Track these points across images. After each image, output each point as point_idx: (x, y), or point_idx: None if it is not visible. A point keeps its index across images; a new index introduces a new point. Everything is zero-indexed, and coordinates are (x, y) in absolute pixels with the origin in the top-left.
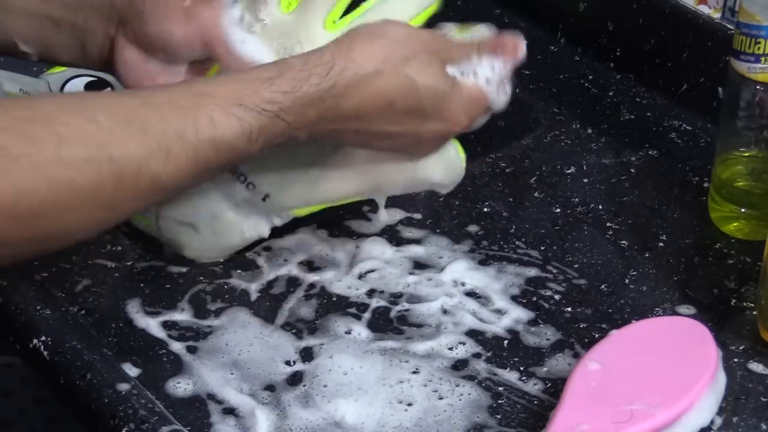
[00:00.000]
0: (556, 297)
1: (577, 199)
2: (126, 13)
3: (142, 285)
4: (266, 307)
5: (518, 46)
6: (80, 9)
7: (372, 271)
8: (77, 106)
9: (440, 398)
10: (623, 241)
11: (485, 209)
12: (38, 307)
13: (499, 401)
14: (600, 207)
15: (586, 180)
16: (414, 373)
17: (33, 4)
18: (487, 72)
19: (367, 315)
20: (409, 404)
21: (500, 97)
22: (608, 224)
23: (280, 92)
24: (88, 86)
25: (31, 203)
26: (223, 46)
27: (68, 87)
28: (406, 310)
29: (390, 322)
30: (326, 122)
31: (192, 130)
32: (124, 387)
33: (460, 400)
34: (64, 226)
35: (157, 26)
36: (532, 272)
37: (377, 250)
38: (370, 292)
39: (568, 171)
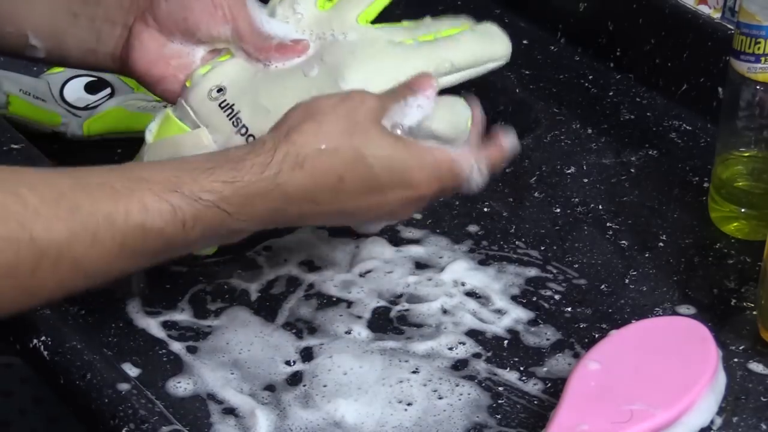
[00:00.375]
0: (556, 297)
1: (577, 199)
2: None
3: (142, 285)
4: (266, 307)
5: (426, 81)
6: (101, 2)
7: (372, 271)
8: (4, 181)
9: (440, 398)
10: (623, 241)
11: (485, 209)
12: (38, 307)
13: (499, 401)
14: (600, 207)
15: (586, 180)
16: (414, 372)
17: None
18: (413, 109)
19: (367, 315)
20: (409, 404)
21: (474, 173)
22: (608, 224)
23: (220, 182)
24: (88, 86)
25: None
26: (247, 23)
27: (68, 87)
28: (406, 310)
29: (390, 322)
30: (276, 212)
31: (122, 215)
32: (124, 387)
33: (459, 399)
34: None
35: (179, 2)
36: (532, 272)
37: (377, 250)
38: (370, 292)
39: (568, 171)
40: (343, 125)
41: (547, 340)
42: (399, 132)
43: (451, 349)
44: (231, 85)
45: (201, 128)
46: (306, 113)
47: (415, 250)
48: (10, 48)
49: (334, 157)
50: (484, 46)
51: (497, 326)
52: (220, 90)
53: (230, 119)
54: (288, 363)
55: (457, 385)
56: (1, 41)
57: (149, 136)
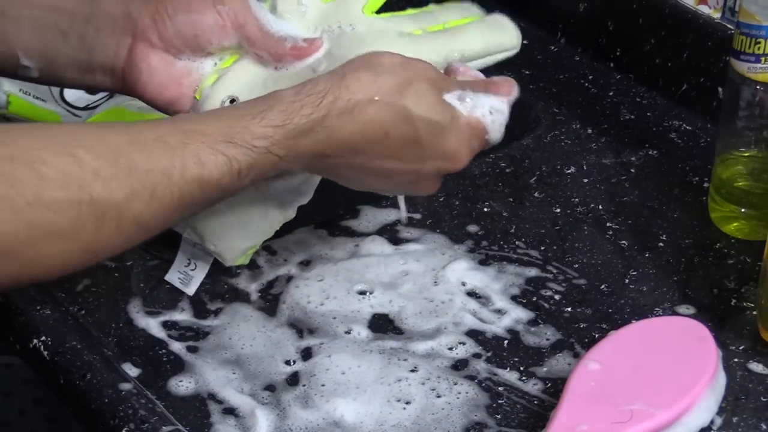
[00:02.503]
0: (556, 297)
1: (577, 199)
2: (146, 19)
3: (142, 285)
4: (266, 307)
5: (512, 86)
6: (91, 20)
7: (372, 271)
8: (60, 143)
9: (438, 396)
10: (623, 241)
11: (485, 209)
12: (38, 307)
13: (499, 401)
14: (600, 207)
15: (586, 180)
16: (412, 372)
17: (41, 14)
18: (486, 102)
19: (367, 315)
20: (408, 402)
21: (498, 129)
22: (608, 224)
23: (271, 126)
24: None
25: (9, 245)
26: (257, 29)
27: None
28: (406, 310)
29: (390, 322)
30: (318, 156)
31: (179, 170)
32: (124, 387)
33: (458, 398)
34: (44, 266)
35: (185, 19)
36: (532, 272)
37: (377, 250)
38: (370, 292)
39: (568, 171)
40: (399, 81)
41: (547, 340)
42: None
43: (451, 349)
44: (243, 93)
45: None
46: (366, 62)
47: (415, 250)
48: (3, 68)
49: (383, 111)
50: (494, 36)
51: (497, 326)
52: (233, 100)
53: None
54: (288, 363)
55: (455, 384)
56: None
57: None
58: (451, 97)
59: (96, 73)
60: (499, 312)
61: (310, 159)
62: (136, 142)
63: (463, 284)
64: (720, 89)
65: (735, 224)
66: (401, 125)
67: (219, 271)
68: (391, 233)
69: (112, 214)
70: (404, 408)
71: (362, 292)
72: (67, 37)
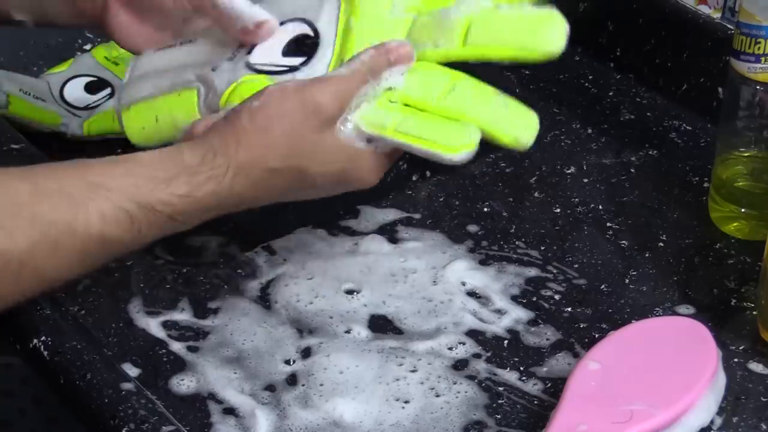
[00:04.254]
0: (556, 297)
1: (577, 199)
2: None
3: (142, 285)
4: (266, 307)
5: (406, 49)
6: None
7: (371, 270)
8: None
9: (437, 396)
10: (623, 241)
11: (485, 209)
12: (38, 307)
13: (499, 401)
14: (600, 207)
15: (586, 180)
16: (412, 371)
17: None
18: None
19: (366, 315)
20: (406, 402)
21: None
22: (608, 224)
23: (176, 195)
24: (88, 86)
25: None
26: (211, 2)
27: (68, 87)
28: (406, 310)
29: (390, 321)
30: (221, 213)
31: (83, 224)
32: (124, 387)
33: (456, 397)
34: None
35: None
36: (532, 272)
37: (376, 249)
38: (370, 292)
39: (568, 171)
40: (291, 142)
41: (547, 340)
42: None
43: (451, 349)
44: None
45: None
46: (254, 127)
47: (415, 249)
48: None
49: (280, 177)
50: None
51: (497, 326)
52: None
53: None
54: (287, 362)
55: (455, 384)
56: None
57: None
58: (346, 129)
59: (83, 19)
60: (499, 312)
61: (212, 218)
62: (40, 193)
63: (463, 284)
64: (720, 89)
65: (735, 224)
66: (300, 183)
67: (219, 271)
68: (390, 233)
69: (12, 265)
70: (403, 407)
71: (351, 291)
72: None
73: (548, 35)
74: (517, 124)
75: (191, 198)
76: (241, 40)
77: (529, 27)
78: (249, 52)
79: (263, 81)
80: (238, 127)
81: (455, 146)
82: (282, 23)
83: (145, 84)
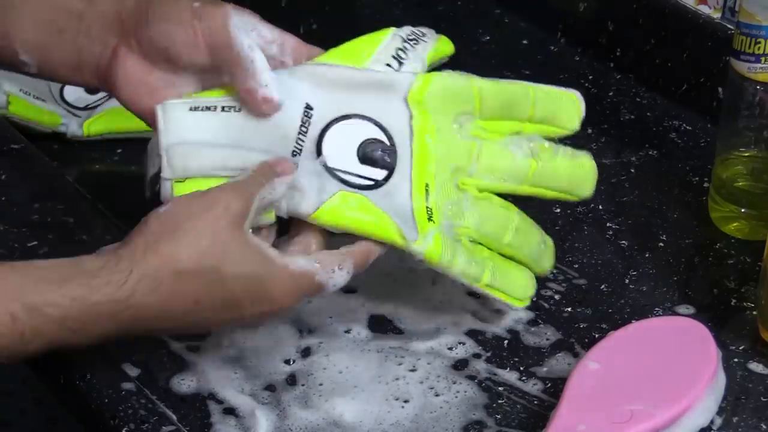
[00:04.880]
0: (556, 297)
1: None
2: (130, 19)
3: None
4: None
5: (288, 164)
6: (84, 17)
7: (371, 270)
8: None
9: (436, 395)
10: (623, 241)
11: None
12: None
13: (499, 401)
14: (600, 207)
15: None
16: (411, 371)
17: (41, 10)
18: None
19: (366, 314)
20: (406, 401)
21: (336, 276)
22: (608, 224)
23: (69, 297)
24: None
25: None
26: (231, 56)
27: (68, 87)
28: (406, 309)
29: (390, 321)
30: (123, 330)
31: None
32: (124, 387)
33: (456, 397)
34: None
35: (158, 28)
36: None
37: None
38: (370, 292)
39: None
40: (202, 244)
41: (547, 340)
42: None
43: (451, 349)
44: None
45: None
46: (164, 228)
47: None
48: (3, 61)
49: (191, 281)
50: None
51: (497, 326)
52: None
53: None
54: (287, 362)
55: (454, 383)
56: None
57: None
58: (256, 238)
59: (84, 72)
60: (499, 312)
61: (111, 335)
62: None
63: (463, 284)
64: (720, 89)
65: (735, 224)
66: (211, 288)
67: None
68: None
69: None
70: (402, 407)
71: (362, 292)
72: (62, 34)
73: (587, 188)
74: (549, 258)
75: (86, 302)
76: (241, 97)
77: (577, 177)
78: (318, 152)
79: (362, 201)
80: (146, 233)
81: (523, 299)
82: (341, 118)
83: (203, 155)
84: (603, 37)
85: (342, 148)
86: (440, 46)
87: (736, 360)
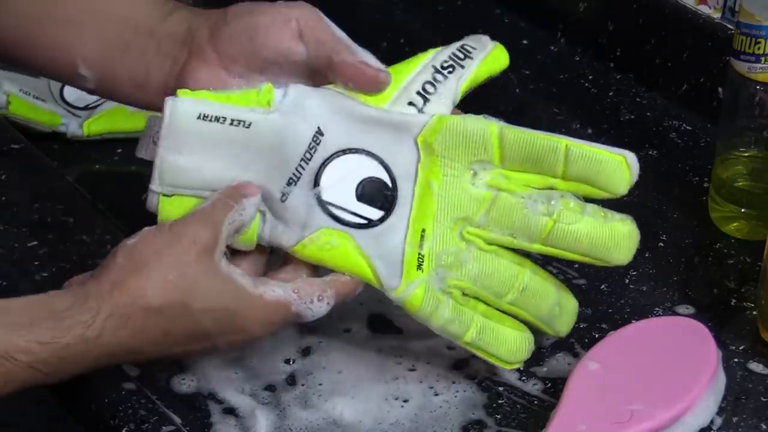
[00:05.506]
0: None
1: None
2: (204, 31)
3: None
4: None
5: (252, 188)
6: (154, 35)
7: None
8: None
9: (436, 395)
10: None
11: None
12: None
13: (499, 401)
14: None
15: None
16: (411, 370)
17: (107, 25)
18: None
19: (366, 314)
20: (405, 401)
21: (315, 306)
22: None
23: (37, 342)
24: None
25: None
26: (330, 29)
27: (68, 87)
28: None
29: (389, 321)
30: (94, 366)
31: None
32: (124, 387)
33: (455, 396)
34: None
35: (243, 21)
36: None
37: None
38: (370, 291)
39: None
40: (169, 279)
41: (547, 340)
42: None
43: (450, 348)
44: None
45: None
46: (130, 265)
47: None
48: (59, 75)
49: (159, 316)
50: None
51: None
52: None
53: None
54: (287, 362)
55: (453, 383)
56: (51, 67)
57: None
58: (228, 267)
59: (149, 90)
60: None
61: (84, 371)
62: None
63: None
64: (720, 89)
65: (735, 224)
66: (180, 320)
67: None
68: None
69: None
70: (402, 406)
71: (361, 292)
72: (128, 50)
73: (618, 255)
74: (564, 323)
75: (55, 345)
76: (346, 74)
77: (605, 243)
78: (316, 182)
79: (345, 240)
80: (113, 269)
81: (512, 362)
82: (347, 151)
83: (196, 174)
84: (603, 37)
85: (341, 183)
86: (491, 60)
87: (736, 360)
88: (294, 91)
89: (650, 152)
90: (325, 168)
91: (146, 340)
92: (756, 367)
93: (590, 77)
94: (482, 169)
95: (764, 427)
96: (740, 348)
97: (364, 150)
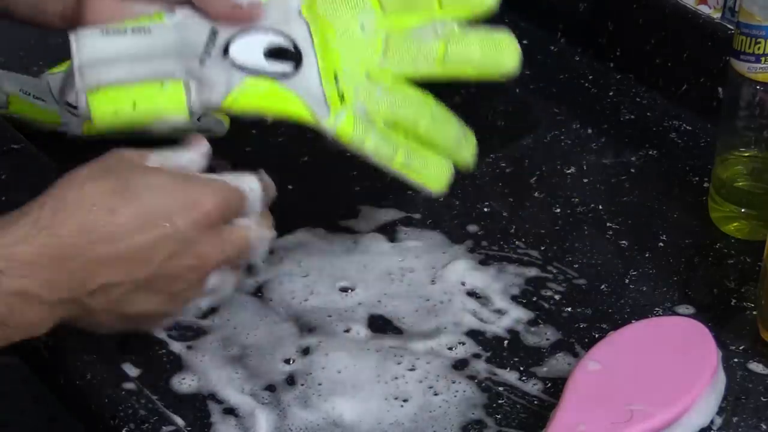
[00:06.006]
0: (556, 297)
1: (577, 199)
2: None
3: None
4: (265, 306)
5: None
6: None
7: (371, 270)
8: None
9: (435, 394)
10: (623, 241)
11: (485, 209)
12: None
13: (499, 401)
14: (600, 207)
15: (586, 180)
16: (410, 370)
17: None
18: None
19: (366, 314)
20: (405, 400)
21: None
22: (608, 224)
23: None
24: None
25: None
26: None
27: (68, 87)
28: (406, 309)
29: (389, 321)
30: (57, 261)
31: None
32: (124, 387)
33: (455, 396)
34: None
35: None
36: (532, 272)
37: (376, 249)
38: (370, 291)
39: (568, 171)
40: (106, 163)
41: (547, 340)
42: None
43: (451, 349)
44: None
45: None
46: (62, 188)
47: (414, 249)
48: None
49: (98, 188)
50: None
51: (497, 326)
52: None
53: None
54: (287, 362)
55: (453, 383)
56: None
57: None
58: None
59: (48, 14)
60: (499, 312)
61: (45, 270)
62: None
63: (463, 284)
64: (720, 89)
65: (735, 224)
66: (123, 195)
67: None
68: (390, 233)
69: None
70: (402, 406)
71: (361, 292)
72: None
73: (508, 60)
74: (470, 151)
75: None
76: (227, 16)
77: (494, 52)
78: (225, 51)
79: (272, 86)
80: (48, 198)
81: (440, 183)
82: (247, 30)
83: (115, 68)
84: (603, 37)
85: (248, 51)
86: None
87: (736, 360)
88: (181, 13)
89: (650, 152)
90: (231, 44)
91: (92, 216)
92: (756, 367)
93: (590, 77)
94: (368, 22)
95: (764, 427)
96: (740, 348)
97: (261, 27)
